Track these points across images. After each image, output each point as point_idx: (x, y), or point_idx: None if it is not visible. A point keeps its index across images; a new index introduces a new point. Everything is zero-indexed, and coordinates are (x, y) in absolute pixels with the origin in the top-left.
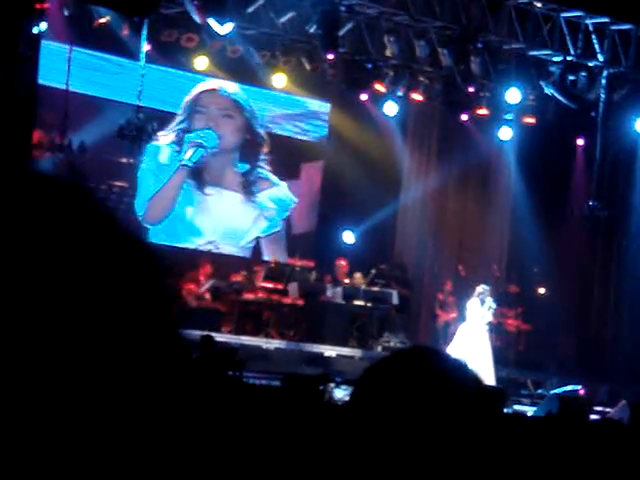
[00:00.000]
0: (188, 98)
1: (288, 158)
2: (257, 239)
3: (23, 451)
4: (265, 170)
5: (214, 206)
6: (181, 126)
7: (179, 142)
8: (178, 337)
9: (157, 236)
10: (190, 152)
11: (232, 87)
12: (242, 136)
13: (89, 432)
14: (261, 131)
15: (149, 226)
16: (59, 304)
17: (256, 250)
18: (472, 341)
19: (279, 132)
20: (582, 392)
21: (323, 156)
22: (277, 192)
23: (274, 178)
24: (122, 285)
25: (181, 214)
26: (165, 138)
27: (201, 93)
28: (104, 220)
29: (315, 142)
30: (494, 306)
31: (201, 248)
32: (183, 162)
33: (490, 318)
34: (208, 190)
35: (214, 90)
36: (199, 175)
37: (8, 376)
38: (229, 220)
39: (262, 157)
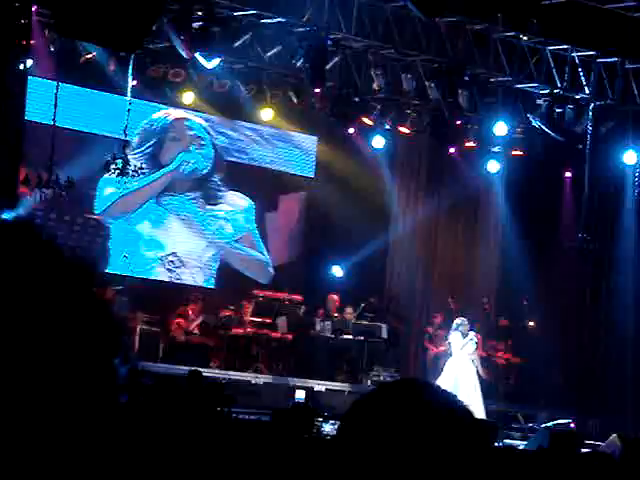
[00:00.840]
0: (157, 125)
1: (270, 190)
2: (217, 264)
3: None
4: (224, 189)
5: (172, 219)
6: (149, 150)
7: (147, 164)
8: (105, 355)
9: (125, 267)
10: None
11: (185, 115)
12: (207, 163)
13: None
14: (220, 160)
15: (110, 220)
16: None
17: (224, 272)
18: (460, 375)
19: (264, 165)
20: (573, 425)
21: (304, 188)
22: (237, 201)
23: (232, 192)
24: (54, 305)
25: (140, 230)
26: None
27: (175, 120)
28: (47, 254)
29: (299, 175)
30: (473, 336)
31: (165, 261)
32: (172, 170)
33: (471, 349)
34: (165, 201)
35: (185, 119)
36: (160, 192)
37: None
38: (188, 232)
39: (219, 178)
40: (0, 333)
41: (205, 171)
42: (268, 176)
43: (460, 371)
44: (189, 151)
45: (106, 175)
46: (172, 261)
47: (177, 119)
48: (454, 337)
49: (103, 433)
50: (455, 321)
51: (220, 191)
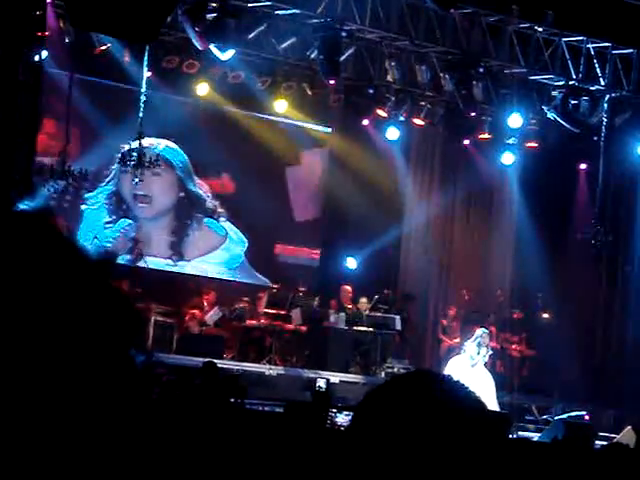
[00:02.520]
0: (118, 155)
1: (288, 146)
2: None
3: None
4: (204, 228)
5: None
6: (109, 187)
7: (109, 206)
8: (123, 349)
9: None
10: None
11: (162, 143)
12: (175, 195)
13: (28, 424)
14: (196, 189)
15: None
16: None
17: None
18: (473, 368)
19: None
20: (587, 418)
21: (326, 145)
22: (220, 252)
23: (217, 226)
24: (70, 295)
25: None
26: (97, 197)
27: (129, 151)
28: (62, 245)
29: (319, 132)
30: (489, 350)
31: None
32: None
33: (482, 361)
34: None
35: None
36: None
37: None
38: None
39: (202, 209)
40: (17, 324)
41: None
42: (289, 132)
43: (470, 365)
44: (119, 193)
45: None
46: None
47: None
48: (469, 347)
49: (125, 424)
50: (476, 332)
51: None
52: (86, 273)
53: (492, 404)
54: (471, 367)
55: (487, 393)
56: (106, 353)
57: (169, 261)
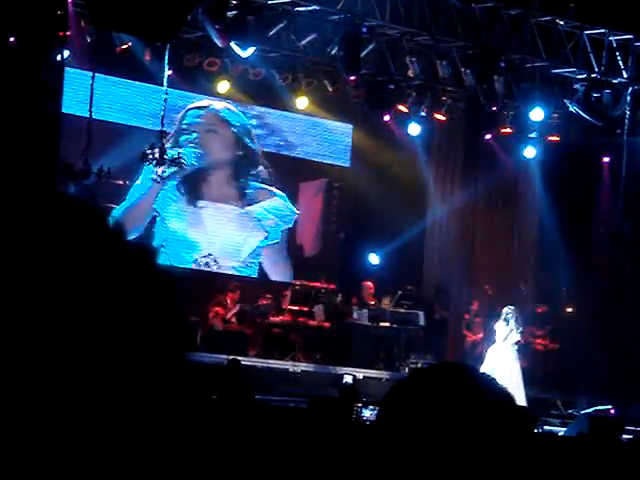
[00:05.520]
0: (178, 116)
1: (303, 178)
2: (258, 259)
3: (25, 448)
4: (261, 183)
5: (207, 220)
6: (168, 144)
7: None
8: (180, 345)
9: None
10: (161, 169)
11: (220, 104)
12: (232, 152)
13: (89, 430)
14: (254, 146)
15: None
16: (65, 305)
17: (261, 272)
18: (501, 362)
19: (298, 155)
20: (613, 412)
21: (339, 176)
22: (275, 203)
23: (272, 189)
24: (122, 290)
25: (173, 231)
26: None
27: (187, 110)
28: (110, 237)
29: (334, 164)
30: (519, 327)
31: (200, 262)
32: (153, 177)
33: (516, 339)
34: (201, 203)
35: (200, 107)
36: (191, 189)
37: (15, 373)
38: (224, 233)
39: (258, 171)
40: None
41: (200, 165)
42: (303, 164)
43: (502, 359)
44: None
45: (145, 164)
46: (207, 262)
47: (191, 109)
48: (499, 326)
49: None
50: (503, 310)
51: (258, 189)
52: (134, 263)
53: (520, 398)
54: (503, 341)
55: (515, 386)
56: (170, 358)
57: (231, 207)
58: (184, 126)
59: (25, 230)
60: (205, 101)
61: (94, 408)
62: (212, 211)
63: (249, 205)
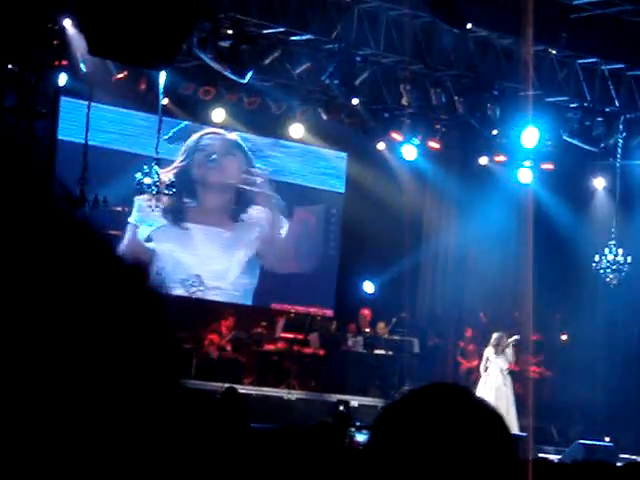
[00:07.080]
0: (190, 141)
1: (296, 204)
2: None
3: (22, 451)
4: (258, 205)
5: (195, 240)
6: (182, 164)
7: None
8: (170, 357)
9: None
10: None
11: (232, 135)
12: (240, 175)
13: (82, 456)
14: (258, 170)
15: None
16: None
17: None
18: (494, 389)
19: (294, 181)
20: (608, 440)
21: (322, 201)
22: (264, 222)
23: (266, 209)
24: (115, 308)
25: (161, 252)
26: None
27: (205, 134)
28: (103, 251)
29: (329, 190)
30: (509, 353)
31: (188, 284)
32: (149, 204)
33: (505, 365)
34: (188, 225)
35: (217, 133)
36: (177, 212)
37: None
38: (210, 254)
39: (259, 197)
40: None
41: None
42: (298, 190)
43: (495, 385)
44: (189, 170)
45: (138, 195)
46: (194, 283)
47: (207, 133)
48: (488, 352)
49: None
50: (493, 336)
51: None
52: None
53: (513, 426)
54: (495, 355)
55: (505, 410)
56: (163, 383)
57: (221, 229)
58: (201, 147)
59: (16, 245)
60: (218, 129)
61: (85, 431)
62: (199, 232)
63: (239, 218)
